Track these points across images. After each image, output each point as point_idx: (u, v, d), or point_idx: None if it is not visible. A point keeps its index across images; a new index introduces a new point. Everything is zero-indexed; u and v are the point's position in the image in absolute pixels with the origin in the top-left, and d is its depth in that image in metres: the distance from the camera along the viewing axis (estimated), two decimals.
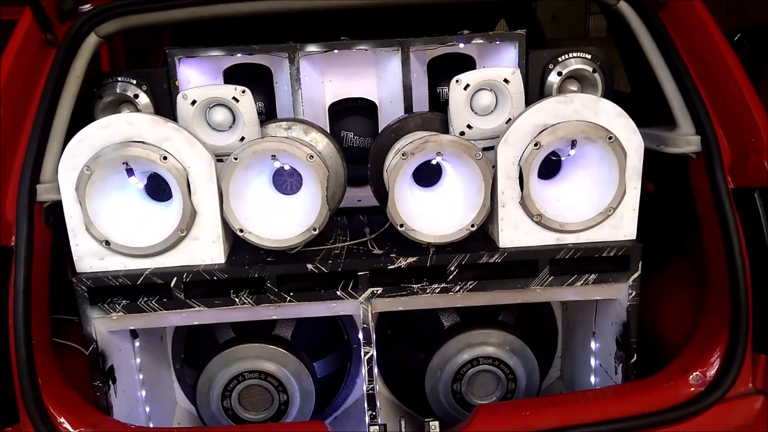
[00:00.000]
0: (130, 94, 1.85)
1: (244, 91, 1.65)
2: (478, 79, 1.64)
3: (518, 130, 1.52)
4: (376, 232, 1.74)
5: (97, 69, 2.46)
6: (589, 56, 1.88)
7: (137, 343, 1.77)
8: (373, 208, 1.92)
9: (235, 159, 1.51)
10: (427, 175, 1.75)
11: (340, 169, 1.77)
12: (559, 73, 1.87)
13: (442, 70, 2.03)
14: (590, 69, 1.87)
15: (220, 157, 1.61)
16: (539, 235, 1.57)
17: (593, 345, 1.83)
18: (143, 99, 1.85)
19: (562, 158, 1.63)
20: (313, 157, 1.50)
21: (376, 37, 1.87)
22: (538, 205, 1.54)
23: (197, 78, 1.94)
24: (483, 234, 1.64)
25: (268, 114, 2.05)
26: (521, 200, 1.54)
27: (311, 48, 1.87)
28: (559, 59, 1.88)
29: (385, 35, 1.88)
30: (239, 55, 1.91)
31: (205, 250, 1.55)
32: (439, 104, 2.06)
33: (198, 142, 1.51)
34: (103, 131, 1.48)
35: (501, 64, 1.93)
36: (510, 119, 1.66)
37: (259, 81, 2.02)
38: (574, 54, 1.88)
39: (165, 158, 1.49)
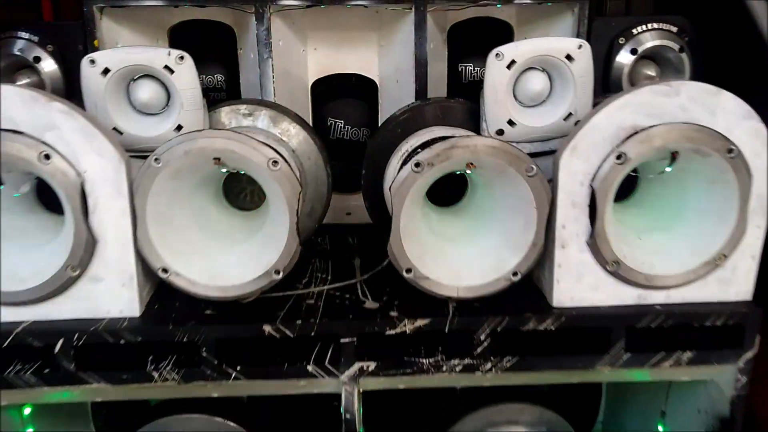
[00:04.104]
0: (30, 56, 1.31)
1: (182, 58, 1.11)
2: (528, 54, 1.11)
3: (594, 135, 0.99)
4: (369, 270, 1.22)
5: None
6: (674, 29, 1.35)
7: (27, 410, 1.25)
8: (368, 225, 1.40)
9: (157, 162, 0.98)
10: (442, 184, 1.23)
11: (321, 175, 1.25)
12: (633, 51, 1.35)
13: (467, 41, 1.50)
14: (676, 47, 1.35)
15: (148, 153, 1.08)
16: (613, 290, 1.05)
17: (661, 429, 1.33)
18: (48, 64, 1.33)
19: (649, 176, 1.11)
20: (277, 163, 0.97)
21: None
22: (615, 247, 1.02)
23: (130, 38, 1.40)
24: (528, 285, 1.12)
25: (230, 93, 1.51)
26: (591, 239, 1.02)
27: (288, 1, 1.34)
28: (633, 32, 1.35)
29: None
30: (187, 5, 1.37)
31: (111, 296, 1.03)
32: (461, 87, 1.53)
33: (100, 133, 0.98)
34: None
35: (550, 36, 1.41)
36: (571, 114, 1.14)
37: (218, 46, 1.49)
38: (654, 25, 1.35)
39: (47, 157, 0.96)
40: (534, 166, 0.98)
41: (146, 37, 1.41)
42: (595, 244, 1.02)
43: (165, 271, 1.02)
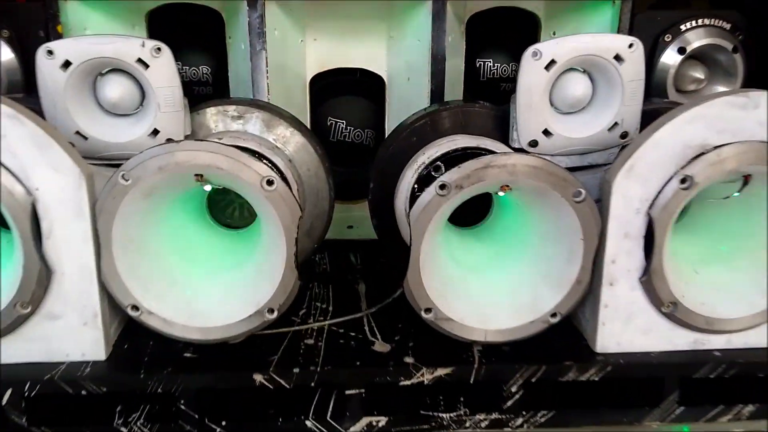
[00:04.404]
0: None
1: (159, 50, 0.93)
2: (571, 53, 0.94)
3: (655, 153, 0.83)
4: (375, 298, 1.05)
5: None
6: (727, 26, 1.19)
7: None
8: (372, 241, 1.24)
9: (125, 179, 0.80)
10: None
11: (322, 188, 1.08)
12: (681, 51, 1.18)
13: (487, 34, 1.34)
14: (729, 47, 1.19)
15: (118, 162, 0.90)
16: (667, 334, 0.90)
17: None
18: (3, 53, 1.14)
19: (710, 200, 0.95)
20: (273, 183, 0.80)
21: None
22: (674, 285, 0.86)
23: (101, 24, 1.21)
24: (566, 326, 0.95)
25: (216, 87, 1.33)
26: (645, 276, 0.86)
27: None
28: (681, 28, 1.19)
29: None
30: None
31: (71, 337, 0.85)
32: (478, 85, 1.36)
33: (55, 143, 0.80)
34: None
35: (584, 31, 1.24)
36: (617, 124, 0.98)
37: (204, 33, 1.31)
38: (705, 21, 1.19)
39: None
40: (582, 191, 0.82)
41: (120, 23, 1.23)
42: (649, 281, 0.86)
43: (135, 308, 0.85)
